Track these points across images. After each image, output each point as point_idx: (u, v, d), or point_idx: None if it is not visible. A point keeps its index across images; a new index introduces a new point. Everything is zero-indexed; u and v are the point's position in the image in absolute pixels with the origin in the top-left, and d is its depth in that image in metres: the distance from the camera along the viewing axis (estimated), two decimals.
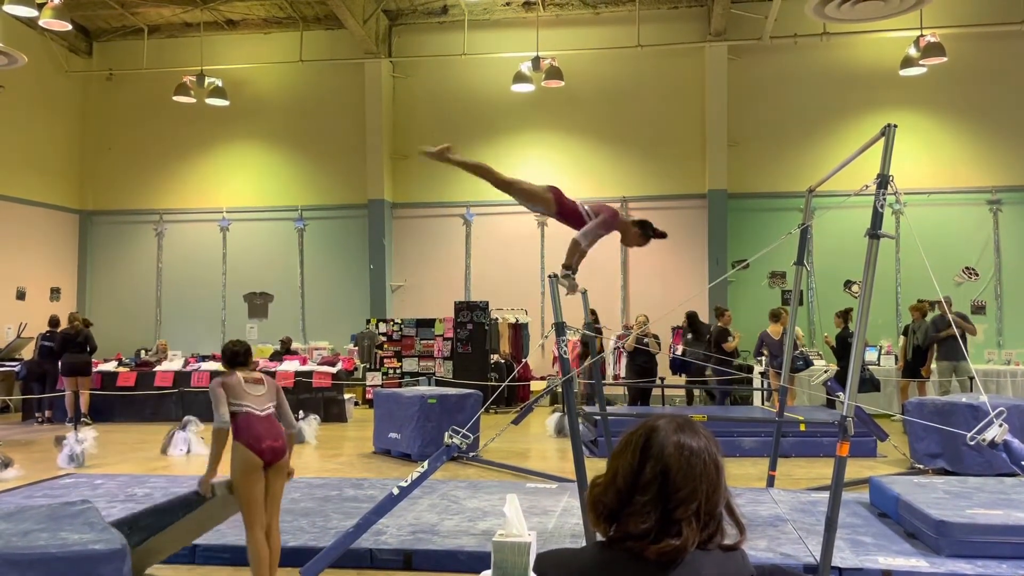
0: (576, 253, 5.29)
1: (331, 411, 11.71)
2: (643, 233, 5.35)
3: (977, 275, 13.43)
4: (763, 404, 11.45)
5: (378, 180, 14.82)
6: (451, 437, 4.27)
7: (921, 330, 11.21)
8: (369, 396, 12.90)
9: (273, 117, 15.44)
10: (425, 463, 4.34)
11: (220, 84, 14.57)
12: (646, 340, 11.68)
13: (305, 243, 15.41)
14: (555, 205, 5.27)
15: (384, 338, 13.84)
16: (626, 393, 12.27)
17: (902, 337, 11.77)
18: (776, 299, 13.61)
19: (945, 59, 12.31)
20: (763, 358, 11.56)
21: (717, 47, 13.89)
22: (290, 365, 12.30)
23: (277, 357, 13.03)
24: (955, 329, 8.36)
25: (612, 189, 14.56)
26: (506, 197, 16.68)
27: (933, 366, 11.49)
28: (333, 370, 12.16)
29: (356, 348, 13.93)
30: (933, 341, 11.04)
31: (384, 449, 8.95)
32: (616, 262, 14.46)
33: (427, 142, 16.33)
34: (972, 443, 3.76)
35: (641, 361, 11.73)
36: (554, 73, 13.43)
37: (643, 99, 14.51)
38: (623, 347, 12.13)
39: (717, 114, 13.93)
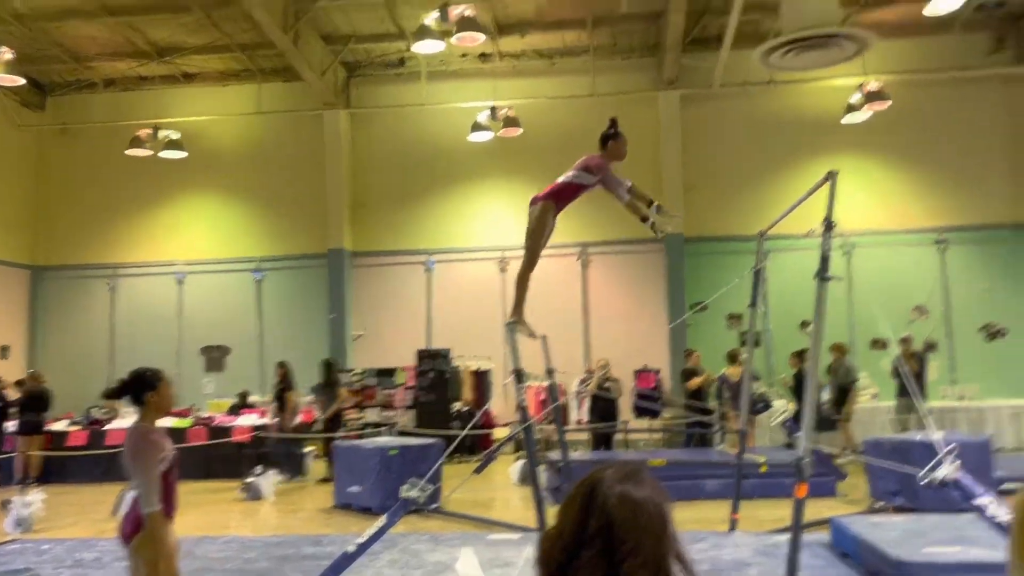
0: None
1: (290, 465, 11.46)
2: (615, 137, 5.38)
3: (928, 313, 13.73)
4: (723, 446, 11.49)
5: (338, 229, 14.79)
6: (409, 490, 4.20)
7: (841, 369, 11.39)
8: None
9: (231, 168, 15.39)
10: (383, 518, 4.26)
11: (176, 136, 14.50)
12: (607, 384, 11.71)
13: (263, 294, 15.25)
14: (554, 207, 5.17)
15: (345, 389, 13.64)
16: (590, 438, 12.24)
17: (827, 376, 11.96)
18: (735, 341, 13.75)
19: (889, 104, 12.75)
20: (725, 399, 11.66)
21: (670, 95, 14.23)
22: (248, 419, 12.06)
23: (235, 411, 12.78)
24: (903, 368, 8.52)
25: (571, 235, 14.65)
26: (467, 243, 16.77)
27: (891, 403, 11.67)
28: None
29: (316, 400, 13.71)
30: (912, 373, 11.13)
31: (345, 503, 8.78)
32: (577, 307, 14.53)
33: (387, 190, 16.49)
34: (924, 482, 3.81)
35: (603, 405, 11.74)
36: (512, 122, 13.62)
37: (600, 146, 14.72)
38: (585, 392, 12.14)
39: (672, 160, 14.21)
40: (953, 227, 13.89)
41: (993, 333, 13.71)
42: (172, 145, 14.45)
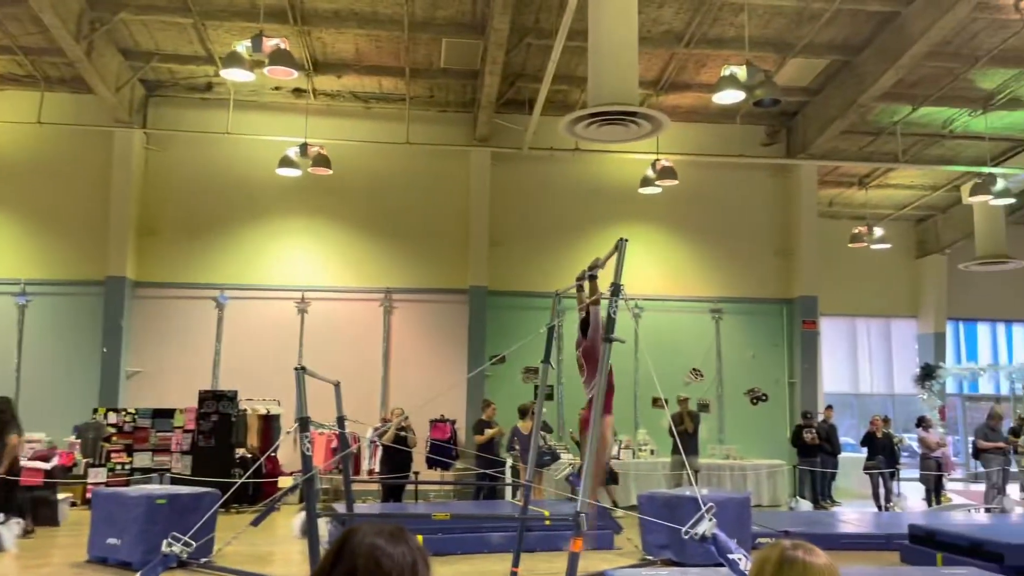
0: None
1: (41, 513, 10.24)
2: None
3: (703, 376, 14.85)
4: (513, 499, 11.67)
5: (120, 256, 13.69)
6: (170, 545, 3.87)
7: None
8: (90, 495, 11.49)
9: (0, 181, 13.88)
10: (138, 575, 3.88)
11: None
12: (403, 433, 11.56)
13: (27, 321, 13.72)
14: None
15: (113, 430, 12.50)
16: (380, 489, 11.97)
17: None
18: (531, 394, 14.11)
19: (677, 182, 13.83)
20: (515, 452, 11.88)
21: (481, 152, 14.60)
22: None
23: None
24: (675, 426, 9.12)
25: (376, 280, 14.56)
26: (265, 281, 16.04)
27: (668, 459, 12.41)
28: (47, 466, 10.71)
29: (79, 441, 12.45)
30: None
31: (100, 557, 7.95)
32: (378, 353, 14.33)
33: (181, 219, 15.59)
34: (687, 537, 4.05)
35: (396, 455, 11.55)
36: (322, 161, 13.36)
37: (411, 195, 14.80)
38: (379, 441, 11.91)
39: (480, 214, 14.53)
40: (727, 298, 15.21)
41: (756, 398, 15.07)
42: None
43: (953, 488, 15.20)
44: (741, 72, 10.66)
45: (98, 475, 12.07)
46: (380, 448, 11.97)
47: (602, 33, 8.99)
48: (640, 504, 8.56)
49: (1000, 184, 14.06)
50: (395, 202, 14.73)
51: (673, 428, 8.02)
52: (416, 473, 11.99)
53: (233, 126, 13.83)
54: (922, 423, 14.04)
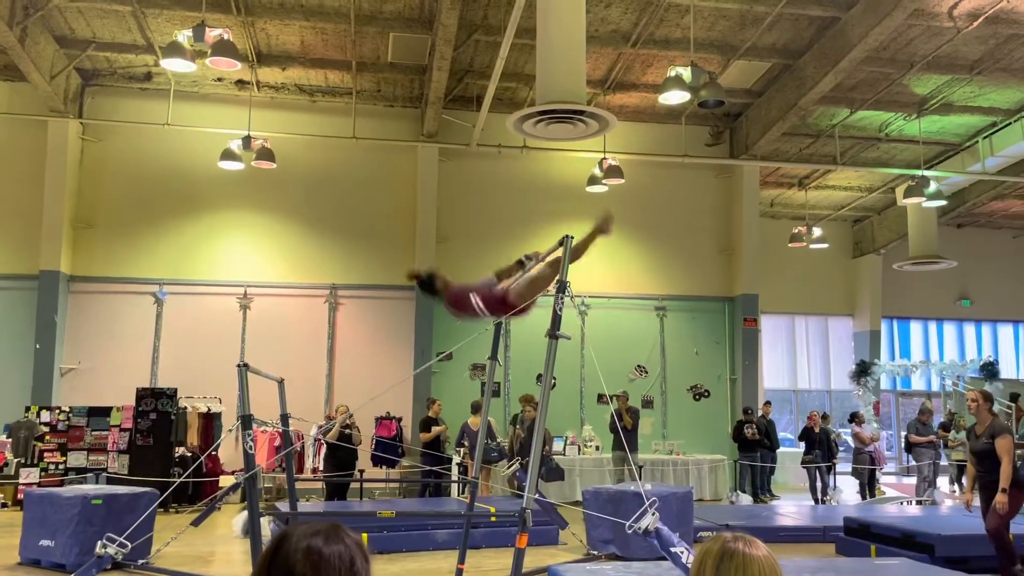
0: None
1: None
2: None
3: (647, 372, 15.04)
4: (460, 495, 11.66)
5: (54, 249, 13.26)
6: (104, 547, 3.76)
7: (528, 421, 12.15)
8: (22, 496, 11.12)
9: None
10: None
11: None
12: (347, 431, 11.45)
13: None
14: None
15: (46, 428, 12.11)
16: (324, 488, 11.85)
17: (511, 427, 12.70)
18: (478, 391, 14.10)
19: (623, 181, 13.97)
20: (463, 449, 11.87)
21: (429, 148, 14.53)
22: None
23: None
24: (619, 420, 9.22)
25: (321, 275, 14.39)
26: (207, 276, 15.75)
27: (607, 455, 12.52)
28: None
29: (10, 440, 12.04)
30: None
31: (32, 559, 7.69)
32: (322, 350, 14.16)
33: (118, 211, 15.18)
34: (631, 532, 4.10)
35: (340, 453, 11.44)
36: (265, 154, 13.12)
37: (357, 190, 14.66)
38: (323, 438, 11.78)
39: (427, 210, 14.45)
40: (671, 296, 15.42)
41: (699, 394, 15.33)
42: None
43: (886, 482, 15.70)
44: (686, 73, 10.81)
45: (30, 475, 11.70)
46: (324, 446, 11.84)
47: (550, 31, 9.03)
48: (585, 499, 8.64)
49: (933, 187, 14.54)
50: (341, 197, 14.57)
51: (617, 423, 8.12)
52: (361, 471, 11.91)
53: (173, 117, 13.50)
54: (855, 419, 14.45)
